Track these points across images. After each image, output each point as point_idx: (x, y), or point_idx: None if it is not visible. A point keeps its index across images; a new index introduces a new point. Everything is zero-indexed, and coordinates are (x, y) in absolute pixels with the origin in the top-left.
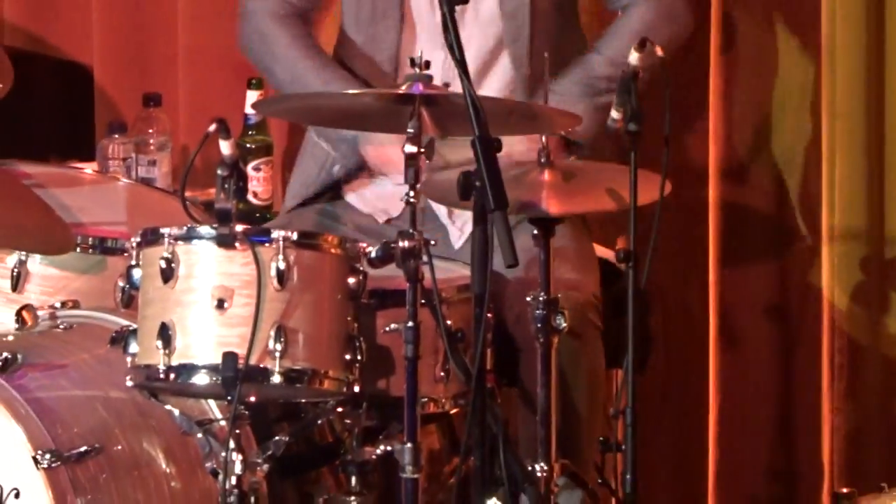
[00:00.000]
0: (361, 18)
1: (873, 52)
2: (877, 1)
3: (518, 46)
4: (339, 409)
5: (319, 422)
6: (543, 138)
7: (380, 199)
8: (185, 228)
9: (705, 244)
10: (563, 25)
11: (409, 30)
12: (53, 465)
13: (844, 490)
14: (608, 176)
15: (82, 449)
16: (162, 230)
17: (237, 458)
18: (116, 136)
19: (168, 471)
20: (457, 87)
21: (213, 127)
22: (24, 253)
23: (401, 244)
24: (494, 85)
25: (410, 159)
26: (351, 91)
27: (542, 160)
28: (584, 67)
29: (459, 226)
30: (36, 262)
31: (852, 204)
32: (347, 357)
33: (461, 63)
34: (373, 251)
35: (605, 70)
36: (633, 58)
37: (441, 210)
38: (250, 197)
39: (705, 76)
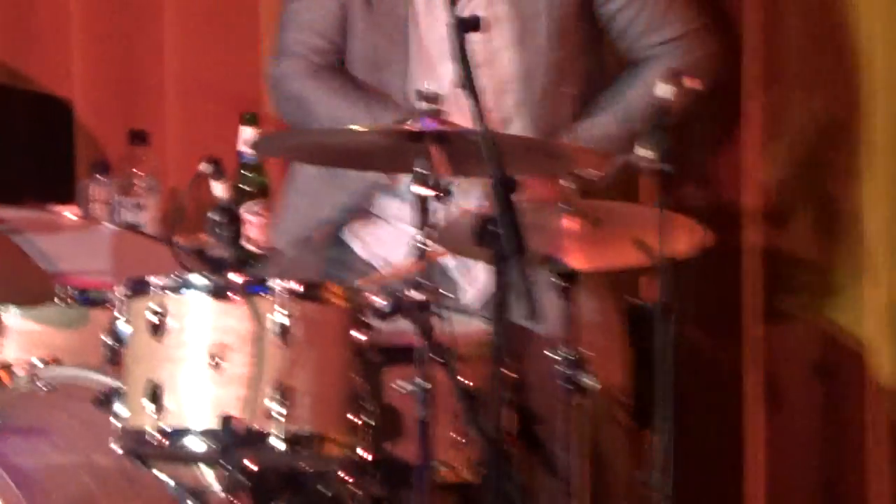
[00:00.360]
0: (368, 67)
1: None
2: None
3: (527, 110)
4: (346, 477)
5: (325, 491)
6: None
7: (381, 244)
8: (175, 278)
9: (741, 295)
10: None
11: (418, 74)
12: None
13: None
14: (638, 221)
15: None
16: (150, 280)
17: None
18: (99, 176)
19: None
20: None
21: (205, 167)
22: None
23: (412, 295)
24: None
25: (419, 204)
26: (354, 128)
27: (565, 204)
28: (598, 125)
29: (470, 280)
30: (12, 316)
31: None
32: (354, 419)
33: (474, 96)
34: (382, 303)
35: (616, 130)
36: (665, 91)
37: (450, 262)
38: (246, 243)
39: (738, 110)
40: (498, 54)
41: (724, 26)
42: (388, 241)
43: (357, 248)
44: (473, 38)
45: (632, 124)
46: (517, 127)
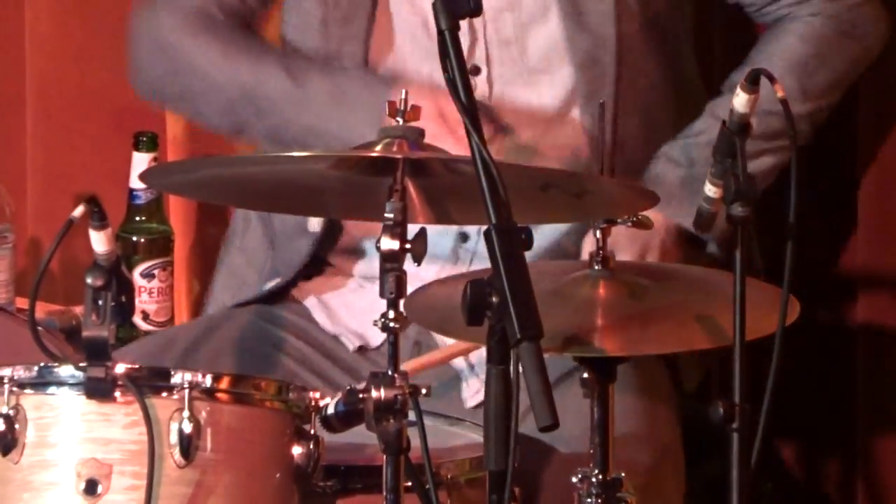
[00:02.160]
0: (310, 33)
1: None
2: None
3: (594, 102)
4: None
5: None
6: (598, 232)
7: (352, 313)
8: (35, 369)
9: (850, 384)
10: (667, 70)
11: (385, 47)
12: None
13: None
14: (701, 287)
15: None
16: (1, 372)
17: None
18: None
19: None
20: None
21: (79, 210)
22: None
23: (374, 394)
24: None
25: (388, 260)
26: (294, 154)
27: (597, 265)
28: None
29: (479, 372)
30: None
31: None
32: None
33: (468, 111)
34: (331, 404)
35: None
36: (741, 102)
37: (447, 342)
38: (137, 319)
39: (853, 140)
40: (529, 29)
41: None
42: (356, 308)
43: (319, 315)
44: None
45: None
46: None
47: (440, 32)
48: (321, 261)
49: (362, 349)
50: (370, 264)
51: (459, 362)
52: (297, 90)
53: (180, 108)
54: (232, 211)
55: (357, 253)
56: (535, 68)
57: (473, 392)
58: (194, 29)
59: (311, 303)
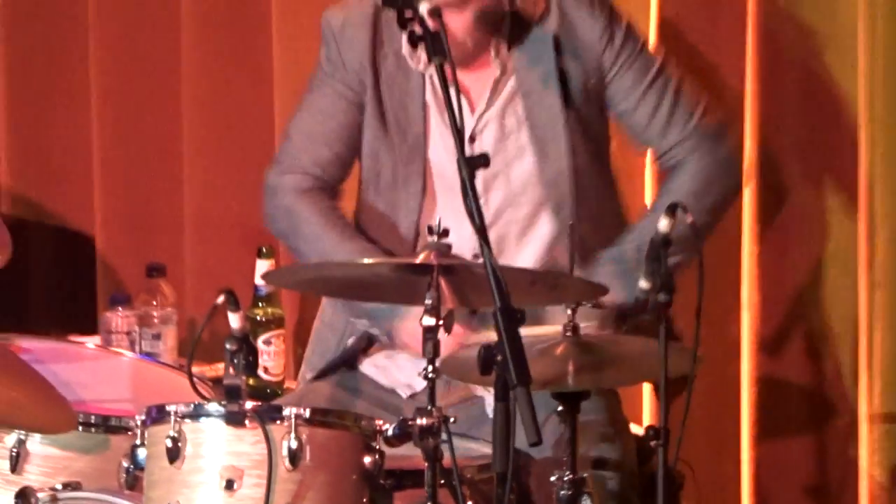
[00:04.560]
0: (382, 186)
1: None
2: None
3: (562, 216)
4: None
5: None
6: (568, 311)
7: (401, 371)
8: (192, 406)
9: (738, 420)
10: (602, 190)
11: (431, 198)
12: None
13: None
14: (637, 348)
15: None
16: (168, 408)
17: None
18: (119, 308)
19: None
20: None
21: (221, 299)
22: (23, 432)
23: (418, 422)
24: (531, 253)
25: (428, 332)
26: (366, 261)
27: (568, 332)
28: (638, 239)
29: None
30: (36, 442)
31: (892, 379)
32: None
33: (481, 231)
34: (389, 429)
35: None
36: (663, 224)
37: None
38: (261, 372)
39: (738, 245)
40: (513, 165)
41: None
42: (404, 368)
43: (376, 375)
44: (488, 148)
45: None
46: (543, 230)
47: (463, 180)
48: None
49: (413, 396)
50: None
51: (482, 389)
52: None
53: (289, 246)
54: (321, 298)
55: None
56: (516, 191)
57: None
58: (305, 196)
59: (369, 370)
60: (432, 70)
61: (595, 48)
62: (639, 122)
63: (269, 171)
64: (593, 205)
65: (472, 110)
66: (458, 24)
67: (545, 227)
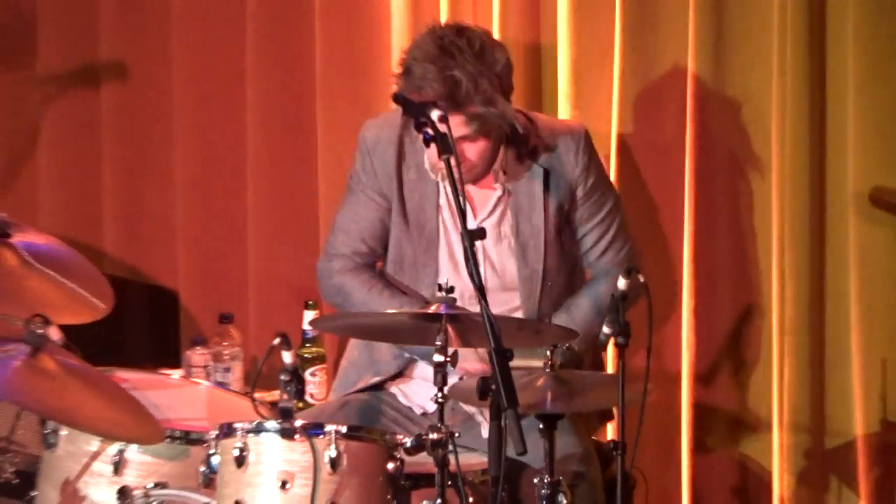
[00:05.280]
0: (406, 267)
1: (816, 272)
2: (819, 224)
3: (531, 302)
4: None
5: None
6: (548, 352)
7: (417, 395)
8: (254, 423)
9: (678, 437)
10: (565, 282)
11: (442, 275)
12: None
13: None
14: (601, 380)
15: None
16: (236, 425)
17: None
18: (198, 347)
19: None
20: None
21: (277, 340)
22: (123, 443)
23: (431, 436)
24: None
25: (438, 367)
26: (389, 311)
27: (546, 370)
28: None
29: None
30: (133, 451)
31: (798, 404)
32: None
33: (479, 288)
34: (408, 441)
35: (592, 318)
36: (622, 283)
37: (472, 407)
38: (308, 397)
39: (679, 298)
40: (505, 263)
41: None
42: (421, 393)
43: (400, 398)
44: (487, 251)
45: (600, 317)
46: (519, 312)
47: (465, 248)
48: (398, 372)
49: (424, 414)
50: (427, 370)
51: (479, 415)
52: (392, 307)
53: (337, 308)
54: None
55: (421, 364)
56: (503, 280)
57: (486, 431)
58: (349, 274)
59: (395, 391)
60: (442, 178)
61: (573, 182)
62: (586, 242)
63: (319, 260)
64: (557, 291)
65: (475, 216)
66: (473, 151)
67: (519, 308)
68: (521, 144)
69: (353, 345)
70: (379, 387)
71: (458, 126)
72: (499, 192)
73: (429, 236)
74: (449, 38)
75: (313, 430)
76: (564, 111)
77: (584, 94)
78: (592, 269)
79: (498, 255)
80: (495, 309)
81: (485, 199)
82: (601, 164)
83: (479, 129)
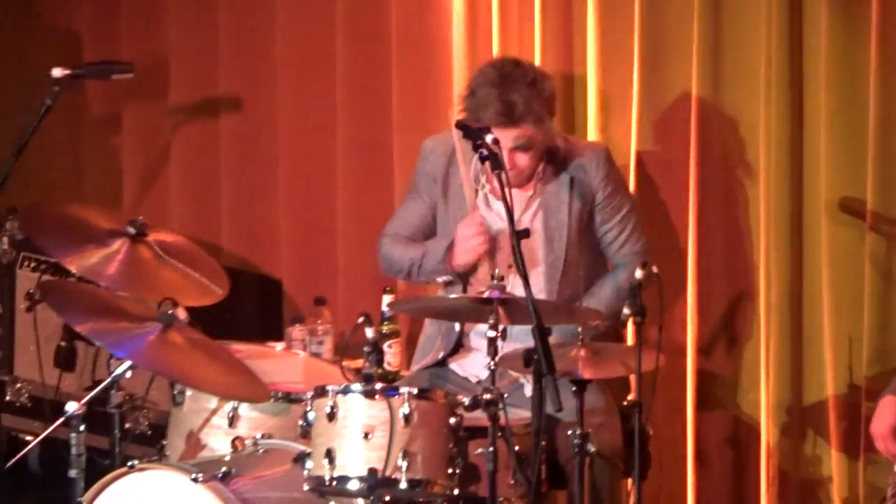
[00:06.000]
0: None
1: (795, 265)
2: (798, 226)
3: (552, 284)
4: None
5: None
6: (579, 329)
7: (472, 366)
8: (342, 386)
9: (684, 397)
10: (587, 267)
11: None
12: None
13: None
14: (622, 351)
15: None
16: (327, 387)
17: None
18: (297, 325)
19: None
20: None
21: (361, 319)
22: (236, 402)
23: (484, 396)
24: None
25: (491, 341)
26: (452, 296)
27: (579, 343)
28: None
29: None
30: (244, 408)
31: (781, 371)
32: (450, 471)
33: (524, 277)
34: (466, 401)
35: (612, 301)
36: (639, 274)
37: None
38: (386, 365)
39: (684, 282)
40: (534, 253)
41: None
42: (475, 364)
43: (457, 369)
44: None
45: (620, 300)
46: (545, 296)
47: (513, 245)
48: (458, 345)
49: (478, 382)
50: (480, 342)
51: (522, 378)
52: (429, 249)
53: (398, 277)
54: (424, 320)
55: (476, 338)
56: (532, 263)
57: (529, 391)
58: (391, 245)
59: (454, 366)
60: (482, 188)
61: (594, 189)
62: (604, 239)
63: (381, 237)
64: (575, 277)
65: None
66: (523, 160)
67: (542, 289)
68: (555, 157)
69: (428, 322)
70: (442, 363)
71: (512, 139)
72: (530, 193)
73: (462, 216)
74: (508, 68)
75: (390, 391)
76: (593, 133)
77: (609, 119)
78: (613, 261)
79: (528, 248)
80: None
81: (520, 200)
82: (620, 175)
83: (529, 143)
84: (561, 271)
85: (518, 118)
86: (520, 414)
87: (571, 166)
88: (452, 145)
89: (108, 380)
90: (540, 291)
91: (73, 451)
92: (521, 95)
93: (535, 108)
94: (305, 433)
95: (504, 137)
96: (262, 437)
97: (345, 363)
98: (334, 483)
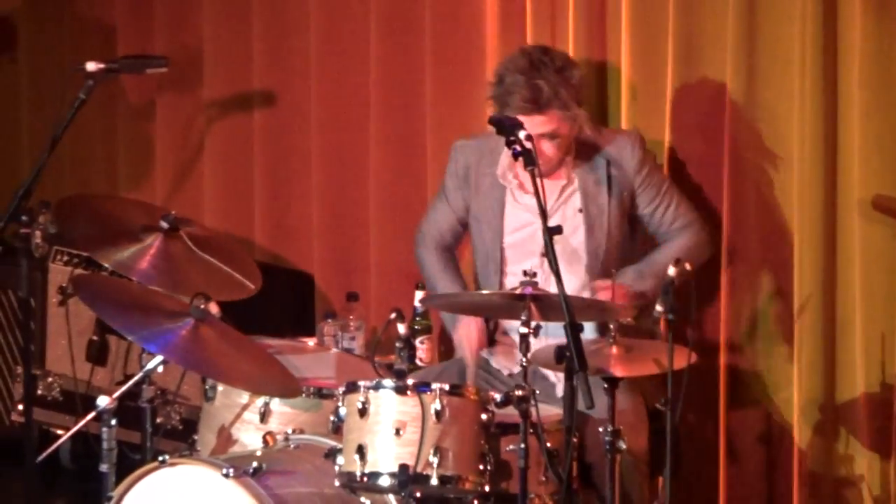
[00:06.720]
0: (480, 252)
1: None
2: (831, 224)
3: (594, 271)
4: (476, 503)
5: None
6: (612, 325)
7: (505, 359)
8: (374, 382)
9: (717, 394)
10: (626, 251)
11: (504, 261)
12: None
13: None
14: (654, 349)
15: None
16: (359, 383)
17: None
18: (329, 320)
19: None
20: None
21: (393, 315)
22: (268, 397)
23: (516, 393)
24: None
25: (523, 337)
26: (485, 292)
27: (610, 340)
28: (638, 268)
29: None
30: (276, 403)
31: (813, 369)
32: (481, 467)
33: (557, 274)
34: (498, 397)
35: (649, 272)
36: (671, 271)
37: (549, 371)
38: (418, 361)
39: (717, 280)
40: (571, 236)
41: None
42: (510, 357)
43: (493, 362)
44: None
45: (655, 278)
46: (583, 279)
47: (545, 241)
48: (493, 340)
49: (510, 375)
50: (514, 338)
51: (553, 376)
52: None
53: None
54: None
55: (509, 334)
56: (573, 253)
57: (561, 389)
58: (428, 249)
59: (486, 356)
60: (509, 183)
61: (631, 173)
62: (652, 220)
63: (416, 232)
64: (618, 262)
65: (545, 203)
66: (550, 147)
67: (584, 274)
68: (587, 142)
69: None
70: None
71: (540, 125)
72: (563, 182)
73: (494, 229)
74: (536, 55)
75: (422, 387)
76: (625, 126)
77: (642, 112)
78: (666, 237)
79: (561, 240)
80: (563, 277)
81: (553, 189)
82: (654, 157)
83: (557, 129)
84: (602, 262)
85: (544, 105)
86: (552, 411)
87: (605, 152)
88: (482, 145)
89: (140, 374)
90: (582, 287)
91: (105, 445)
92: (547, 82)
93: (562, 95)
94: (337, 429)
95: (530, 124)
96: (294, 432)
97: (377, 359)
98: (365, 479)
